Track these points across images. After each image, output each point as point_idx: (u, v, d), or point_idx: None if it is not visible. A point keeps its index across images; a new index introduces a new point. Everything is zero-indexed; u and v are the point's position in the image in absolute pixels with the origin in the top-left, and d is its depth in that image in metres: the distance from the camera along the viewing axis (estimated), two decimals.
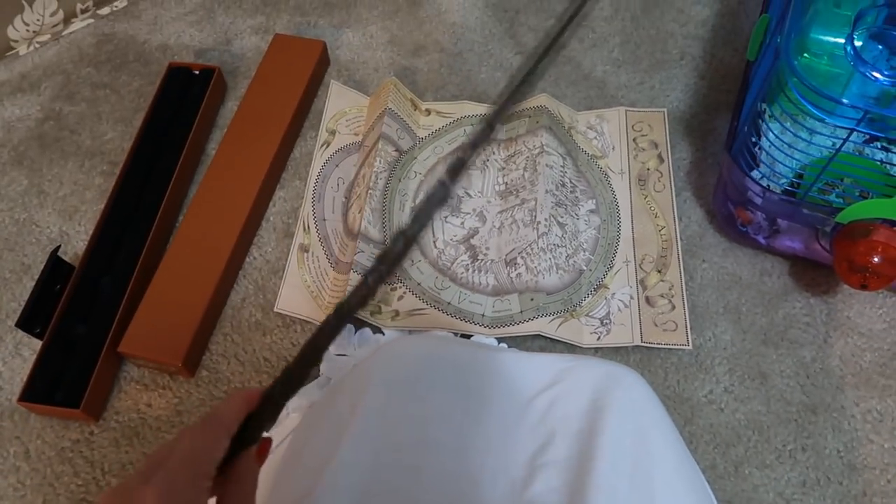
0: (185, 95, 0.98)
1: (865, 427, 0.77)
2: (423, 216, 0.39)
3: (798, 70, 0.68)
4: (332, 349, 0.79)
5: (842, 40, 0.72)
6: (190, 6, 1.13)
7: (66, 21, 1.09)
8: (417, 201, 0.91)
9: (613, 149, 0.97)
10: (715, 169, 0.94)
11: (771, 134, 0.76)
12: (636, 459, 0.49)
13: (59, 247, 0.83)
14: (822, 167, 0.71)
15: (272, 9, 1.13)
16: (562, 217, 0.87)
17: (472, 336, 0.81)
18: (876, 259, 0.71)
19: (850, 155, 0.77)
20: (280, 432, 0.64)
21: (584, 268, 0.86)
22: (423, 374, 0.53)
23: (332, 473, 0.46)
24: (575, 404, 0.52)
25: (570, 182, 0.91)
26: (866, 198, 0.72)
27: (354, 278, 0.81)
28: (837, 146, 0.69)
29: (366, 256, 0.84)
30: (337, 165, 0.95)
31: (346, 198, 0.93)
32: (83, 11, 1.10)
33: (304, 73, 0.99)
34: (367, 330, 0.81)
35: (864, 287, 0.73)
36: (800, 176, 0.78)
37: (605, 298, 0.84)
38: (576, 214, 0.90)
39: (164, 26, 1.11)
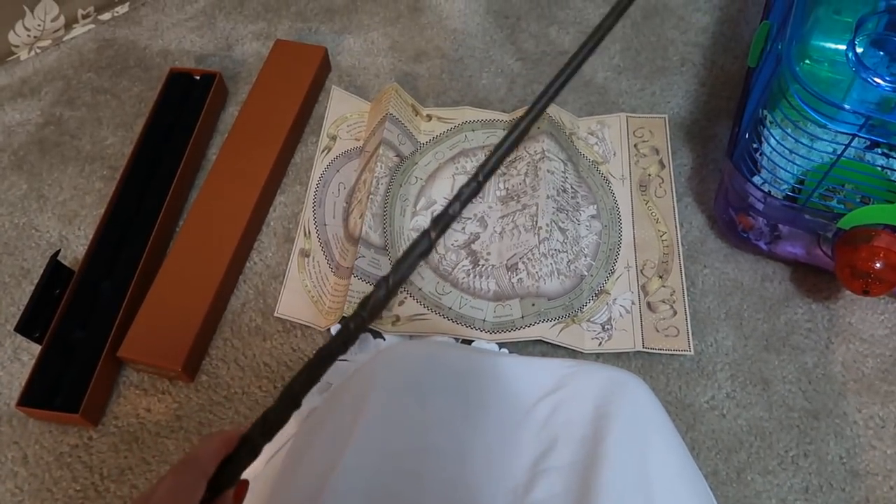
0: (185, 101, 0.98)
1: (868, 433, 0.77)
2: (405, 267, 0.38)
3: (800, 76, 0.68)
4: None
5: (843, 46, 0.72)
6: (191, 12, 1.13)
7: (68, 26, 1.09)
8: (417, 206, 0.91)
9: (615, 154, 0.97)
10: (716, 175, 0.94)
11: (772, 140, 0.76)
12: (640, 465, 0.48)
13: (58, 251, 0.83)
14: (823, 173, 0.72)
15: (273, 15, 1.13)
16: (563, 222, 0.87)
17: (473, 341, 0.81)
18: (878, 264, 0.71)
19: (852, 161, 0.77)
20: (278, 438, 0.63)
21: (586, 273, 0.86)
22: (423, 379, 0.53)
23: (337, 480, 0.46)
24: (578, 410, 0.52)
25: (572, 187, 0.91)
26: (868, 203, 0.72)
27: (355, 283, 0.81)
28: (839, 152, 0.69)
29: (366, 261, 0.83)
30: (338, 170, 0.95)
31: (346, 203, 0.93)
32: (84, 17, 1.10)
33: (305, 79, 0.99)
34: (368, 335, 0.81)
35: (865, 293, 0.73)
36: (801, 182, 0.78)
37: (607, 304, 0.84)
38: (577, 220, 0.89)
39: (165, 32, 1.11)
